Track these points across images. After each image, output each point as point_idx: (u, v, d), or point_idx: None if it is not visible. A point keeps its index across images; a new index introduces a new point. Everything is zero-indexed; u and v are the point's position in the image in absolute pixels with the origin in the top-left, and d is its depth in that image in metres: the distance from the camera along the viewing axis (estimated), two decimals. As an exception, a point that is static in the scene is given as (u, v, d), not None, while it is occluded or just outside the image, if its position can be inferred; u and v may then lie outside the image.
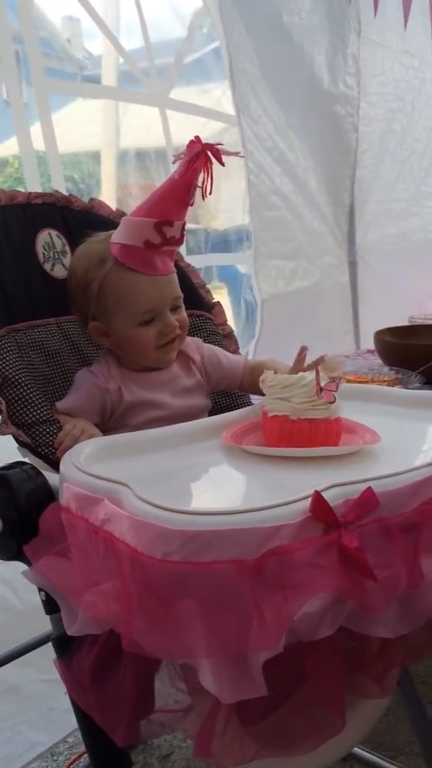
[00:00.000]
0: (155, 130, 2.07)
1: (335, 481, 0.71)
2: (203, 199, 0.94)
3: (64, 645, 0.80)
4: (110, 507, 0.69)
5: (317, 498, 0.66)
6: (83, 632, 0.71)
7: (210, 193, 0.93)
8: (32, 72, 1.65)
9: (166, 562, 0.63)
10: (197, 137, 0.91)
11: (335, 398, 0.86)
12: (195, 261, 1.36)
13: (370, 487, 0.69)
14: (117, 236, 1.00)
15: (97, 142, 2.11)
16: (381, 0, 2.47)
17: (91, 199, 1.24)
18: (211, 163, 0.91)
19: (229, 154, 0.92)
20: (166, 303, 1.02)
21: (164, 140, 2.05)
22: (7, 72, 1.60)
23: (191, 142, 0.91)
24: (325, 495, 0.67)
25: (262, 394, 0.96)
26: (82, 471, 0.76)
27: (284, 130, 2.29)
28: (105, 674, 0.73)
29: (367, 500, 0.69)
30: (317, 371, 0.87)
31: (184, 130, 2.12)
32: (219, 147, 0.91)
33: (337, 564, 0.64)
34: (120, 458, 0.84)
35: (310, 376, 0.87)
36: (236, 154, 0.95)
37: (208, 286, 1.32)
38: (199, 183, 0.94)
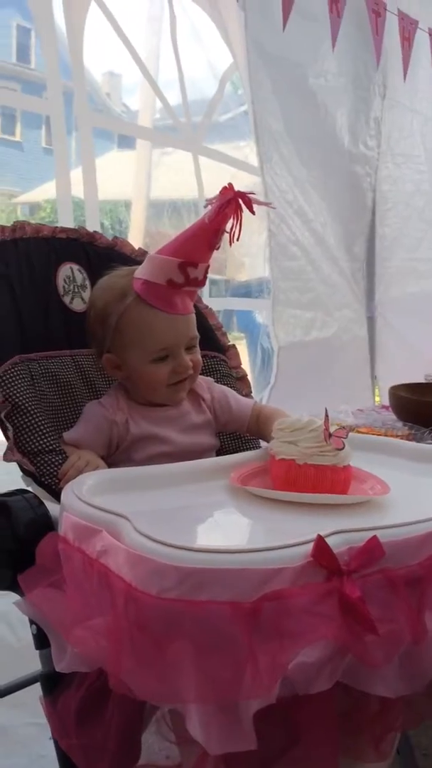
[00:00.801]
0: (185, 182, 2.15)
1: (340, 527, 0.69)
2: (230, 245, 0.95)
3: (53, 683, 0.77)
4: (108, 539, 0.68)
5: (320, 543, 0.64)
6: (71, 669, 0.69)
7: (237, 239, 0.94)
8: (77, 113, 1.70)
9: (161, 599, 0.61)
10: (230, 184, 0.93)
11: (344, 445, 0.85)
12: (214, 303, 1.38)
13: (375, 536, 0.67)
14: (141, 272, 1.01)
15: (128, 192, 2.19)
16: (411, 66, 2.55)
17: (115, 238, 1.27)
18: (242, 210, 0.92)
19: (260, 203, 0.94)
20: (181, 342, 1.02)
21: (193, 192, 2.12)
22: (55, 119, 1.68)
23: (224, 188, 0.93)
24: (329, 541, 0.66)
25: (267, 441, 0.95)
26: (82, 501, 0.74)
27: (304, 185, 2.35)
28: (91, 716, 0.70)
29: (372, 549, 0.67)
30: (326, 416, 0.86)
31: (215, 183, 2.20)
32: (251, 196, 0.93)
33: (337, 613, 0.62)
34: (123, 492, 0.82)
35: (319, 421, 0.86)
36: (268, 204, 0.97)
37: (229, 336, 1.33)
38: (228, 229, 0.95)
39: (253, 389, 2.32)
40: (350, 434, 0.88)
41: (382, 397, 2.63)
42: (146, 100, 2.06)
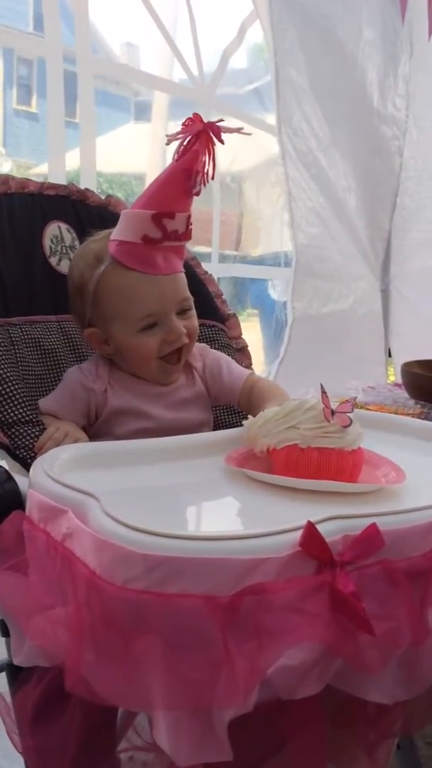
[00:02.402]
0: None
1: (335, 513, 0.61)
2: (204, 185, 0.85)
3: (15, 674, 0.70)
4: (73, 521, 0.61)
5: (310, 530, 0.56)
6: (30, 663, 0.62)
7: (212, 178, 0.84)
8: (78, 57, 1.61)
9: (126, 589, 0.54)
10: (196, 115, 0.83)
11: (350, 421, 0.75)
12: (234, 271, 1.29)
13: (374, 524, 0.60)
14: (115, 233, 0.91)
15: (143, 165, 2.13)
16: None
17: (108, 196, 1.18)
18: (214, 144, 0.82)
19: (231, 131, 0.84)
20: (169, 306, 0.92)
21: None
22: (84, 92, 1.62)
23: (190, 120, 0.83)
24: (321, 528, 0.58)
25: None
26: (50, 478, 0.67)
27: (328, 147, 2.21)
28: (49, 716, 0.63)
29: (370, 538, 0.59)
30: (323, 392, 0.76)
31: (228, 154, 2.12)
32: (220, 124, 0.82)
33: (326, 611, 0.54)
34: (100, 469, 0.75)
35: (312, 400, 0.76)
36: (238, 130, 0.85)
37: (242, 313, 1.23)
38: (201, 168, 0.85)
39: (263, 362, 2.24)
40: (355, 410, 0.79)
41: (396, 376, 2.54)
42: (164, 70, 1.98)
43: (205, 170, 0.83)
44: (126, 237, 0.89)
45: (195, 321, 0.97)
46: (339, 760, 0.65)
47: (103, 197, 1.17)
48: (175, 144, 0.86)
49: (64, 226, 1.09)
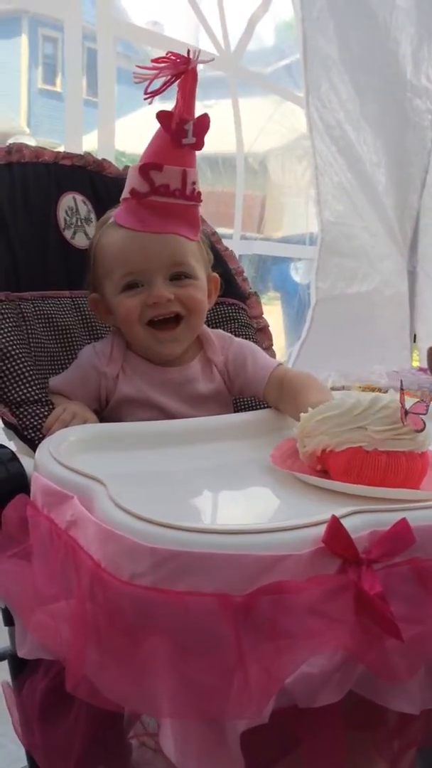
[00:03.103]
0: (225, 137, 2.00)
1: (361, 506, 0.56)
2: (196, 136, 0.79)
3: (20, 665, 0.67)
4: (78, 508, 0.56)
5: (334, 525, 0.52)
6: (33, 656, 0.58)
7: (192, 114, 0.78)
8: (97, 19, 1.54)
9: (132, 585, 0.50)
10: (173, 52, 0.75)
11: (424, 424, 0.66)
12: (257, 248, 1.22)
13: (404, 519, 0.55)
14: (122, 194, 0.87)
15: None
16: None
17: (126, 167, 1.12)
18: (196, 81, 0.76)
19: (204, 62, 0.77)
20: (154, 267, 0.84)
21: (232, 147, 1.95)
22: (103, 69, 1.58)
23: (170, 61, 0.75)
24: (346, 522, 0.53)
25: (291, 415, 0.80)
26: (56, 461, 0.63)
27: (357, 120, 2.12)
28: (55, 712, 0.60)
29: (400, 534, 0.54)
30: (402, 390, 0.67)
31: (255, 135, 2.06)
32: (201, 59, 0.76)
33: (350, 614, 0.49)
34: (110, 452, 0.71)
35: (387, 397, 0.68)
36: (210, 59, 0.78)
37: (264, 296, 1.17)
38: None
39: (284, 347, 2.17)
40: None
41: (421, 361, 2.47)
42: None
43: (192, 117, 0.77)
44: (123, 194, 0.85)
45: (193, 292, 0.87)
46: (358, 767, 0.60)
47: (120, 168, 1.12)
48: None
49: (79, 198, 1.04)
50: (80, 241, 1.03)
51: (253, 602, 0.48)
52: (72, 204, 1.04)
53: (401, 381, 0.68)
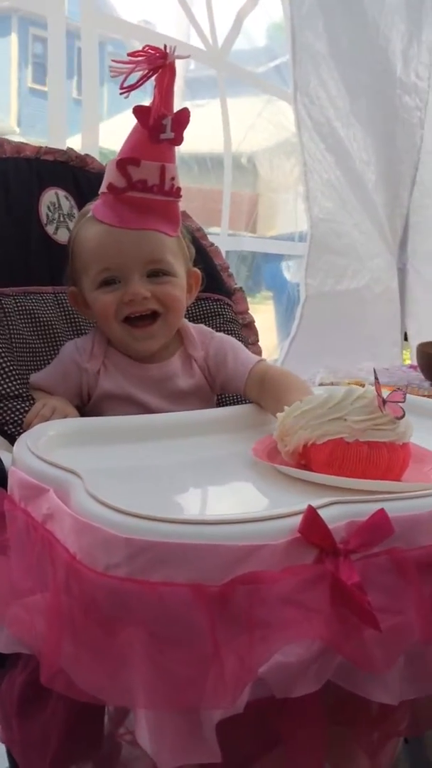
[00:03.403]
0: (217, 136, 2.00)
1: (340, 497, 0.56)
2: (174, 131, 0.78)
3: (1, 658, 0.66)
4: (54, 501, 0.56)
5: (310, 515, 0.51)
6: (10, 650, 0.58)
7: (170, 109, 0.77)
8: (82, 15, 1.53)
9: (108, 576, 0.50)
10: (150, 46, 0.74)
11: (404, 412, 0.66)
12: (245, 244, 1.21)
13: (382, 509, 0.54)
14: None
15: None
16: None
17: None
18: (174, 75, 0.75)
19: (181, 57, 0.76)
20: (131, 264, 0.83)
21: (220, 147, 1.95)
22: (87, 67, 1.56)
23: (148, 55, 0.74)
24: (324, 513, 0.53)
25: (269, 410, 0.80)
26: (33, 454, 0.63)
27: (347, 116, 2.12)
28: (35, 705, 0.59)
29: (378, 524, 0.54)
30: (377, 380, 0.68)
31: (243, 134, 2.06)
32: (178, 54, 0.75)
33: (327, 604, 0.49)
34: (88, 446, 0.71)
35: (360, 388, 0.68)
36: (187, 56, 0.78)
37: (257, 295, 1.16)
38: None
39: (277, 345, 2.16)
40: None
41: (412, 359, 2.47)
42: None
43: (170, 112, 0.76)
44: (101, 189, 0.84)
45: (170, 289, 0.86)
46: (339, 761, 0.60)
47: (104, 164, 1.11)
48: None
49: (62, 193, 1.04)
50: (63, 237, 1.02)
51: (228, 592, 0.48)
52: (54, 199, 1.03)
53: (374, 370, 0.68)
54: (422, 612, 0.53)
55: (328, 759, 0.57)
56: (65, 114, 1.62)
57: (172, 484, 0.67)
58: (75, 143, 1.72)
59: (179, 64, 1.99)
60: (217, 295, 1.11)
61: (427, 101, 2.46)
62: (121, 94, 0.78)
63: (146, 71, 0.76)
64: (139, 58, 0.75)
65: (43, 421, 0.76)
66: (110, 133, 1.78)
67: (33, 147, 1.04)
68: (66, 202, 1.04)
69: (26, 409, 0.82)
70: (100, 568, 0.50)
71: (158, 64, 0.75)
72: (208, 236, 1.19)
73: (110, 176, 0.81)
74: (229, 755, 0.50)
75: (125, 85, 0.77)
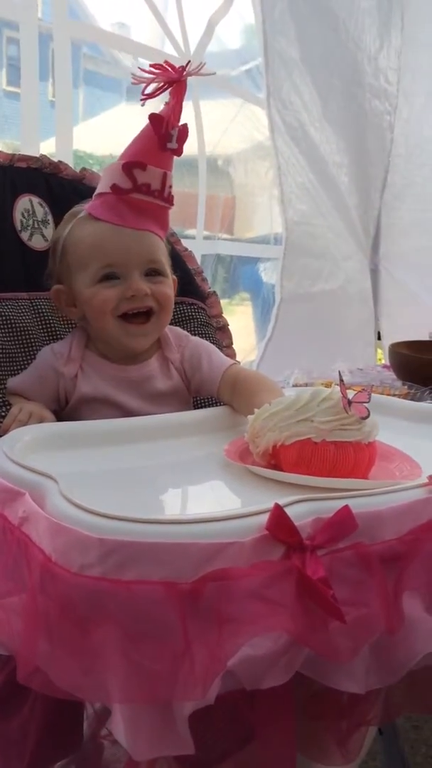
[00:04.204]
0: (192, 139, 2.02)
1: (306, 495, 0.58)
2: (179, 143, 0.82)
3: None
4: (29, 504, 0.58)
5: (277, 512, 0.53)
6: (-12, 651, 0.59)
7: (179, 121, 0.81)
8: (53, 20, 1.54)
9: (82, 576, 0.51)
10: (169, 62, 0.79)
11: (368, 412, 0.69)
12: (225, 248, 1.22)
13: (347, 506, 0.57)
14: (97, 189, 0.89)
15: None
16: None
17: (83, 169, 1.14)
18: (185, 92, 0.79)
19: (205, 74, 0.81)
20: (132, 261, 0.87)
21: (195, 151, 1.97)
22: (60, 70, 1.57)
23: (162, 68, 0.79)
24: (291, 510, 0.55)
25: (241, 413, 0.82)
26: (9, 459, 0.64)
27: (319, 120, 2.15)
28: (12, 705, 0.61)
29: (343, 520, 0.56)
30: (341, 381, 0.70)
31: (218, 137, 2.07)
32: (194, 71, 0.79)
33: (293, 598, 0.51)
34: (64, 450, 0.72)
35: (327, 389, 0.70)
36: (212, 74, 0.84)
37: (235, 297, 1.19)
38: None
39: (255, 346, 2.17)
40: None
41: (385, 358, 2.52)
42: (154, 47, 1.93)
43: (180, 124, 0.80)
44: (99, 190, 0.87)
45: (166, 288, 0.90)
46: (310, 752, 0.62)
47: (77, 170, 1.13)
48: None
49: (36, 200, 1.05)
50: (37, 243, 1.04)
51: (199, 589, 0.50)
52: (28, 206, 1.04)
53: (339, 372, 0.71)
54: (386, 604, 0.56)
55: (300, 749, 0.59)
56: (38, 117, 1.63)
57: (146, 486, 0.69)
58: (50, 146, 1.73)
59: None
60: (192, 299, 1.14)
61: (396, 105, 2.50)
62: (141, 101, 0.83)
63: (162, 84, 0.80)
64: (158, 71, 0.80)
65: (21, 426, 0.78)
66: (85, 136, 1.79)
67: (5, 154, 1.05)
68: (40, 209, 1.05)
69: (2, 414, 0.83)
70: (74, 569, 0.51)
71: (174, 78, 0.79)
72: (185, 239, 1.22)
73: (114, 178, 0.84)
74: (204, 749, 0.52)
75: (143, 94, 0.83)
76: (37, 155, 1.09)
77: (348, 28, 2.25)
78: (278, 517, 0.53)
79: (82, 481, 0.64)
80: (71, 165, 1.13)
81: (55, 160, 1.10)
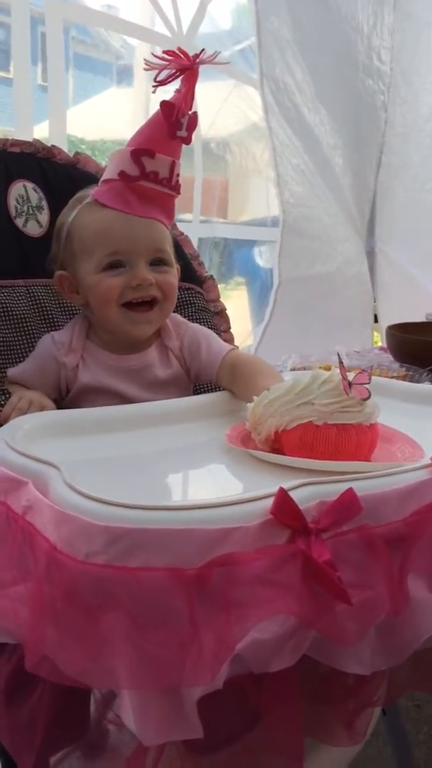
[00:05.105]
0: None
1: (310, 478, 0.58)
2: (189, 131, 0.82)
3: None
4: (33, 492, 0.57)
5: (282, 496, 0.53)
6: (-5, 640, 0.59)
7: (190, 109, 0.80)
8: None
9: (88, 563, 0.51)
10: (182, 49, 0.78)
11: (369, 393, 0.68)
12: (223, 231, 1.21)
13: (351, 488, 0.57)
14: (104, 174, 0.89)
15: (127, 130, 2.06)
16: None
17: (77, 153, 1.12)
18: (196, 80, 0.78)
19: (216, 63, 0.79)
20: (139, 250, 0.86)
21: None
22: (53, 51, 1.55)
23: (174, 56, 0.78)
24: (295, 494, 0.55)
25: (241, 398, 0.82)
26: (11, 448, 0.64)
27: (313, 101, 2.13)
28: (22, 692, 0.61)
29: (347, 503, 0.56)
30: (341, 362, 0.70)
31: (211, 119, 2.05)
32: (207, 59, 0.78)
33: (299, 581, 0.51)
34: (65, 438, 0.72)
35: (326, 372, 0.70)
36: (226, 63, 0.83)
37: (230, 281, 1.19)
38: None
39: (251, 330, 2.17)
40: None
41: (382, 340, 2.51)
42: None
43: (189, 112, 0.79)
44: (106, 176, 0.86)
45: (170, 278, 0.90)
46: (316, 734, 0.63)
47: (71, 154, 1.11)
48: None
49: (30, 185, 1.04)
50: (32, 229, 1.02)
51: (205, 574, 0.50)
52: (23, 192, 1.03)
53: (338, 354, 0.70)
54: (391, 586, 0.56)
55: (306, 731, 0.59)
56: (31, 102, 1.61)
57: (149, 472, 0.69)
58: (41, 131, 1.71)
59: (144, 52, 1.99)
60: (189, 284, 1.13)
61: (389, 84, 2.47)
62: (153, 87, 0.83)
63: (174, 71, 0.80)
64: (170, 58, 0.79)
65: (21, 414, 0.77)
66: (76, 121, 1.77)
67: (-1, 140, 1.03)
68: (35, 194, 1.04)
69: (2, 403, 0.83)
70: (80, 557, 0.51)
71: (186, 65, 0.79)
72: (181, 223, 1.21)
73: (122, 164, 0.83)
74: (211, 733, 0.52)
75: (157, 80, 0.82)
76: (31, 140, 1.08)
77: (340, 7, 2.22)
78: (283, 501, 0.53)
79: (84, 468, 0.64)
80: (65, 149, 1.11)
81: (49, 144, 1.09)
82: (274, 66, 2.00)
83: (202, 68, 0.80)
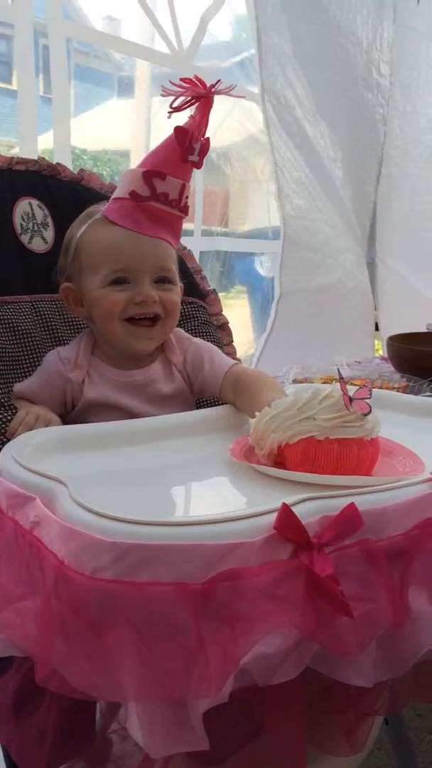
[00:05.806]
0: None
1: (312, 493, 0.59)
2: (200, 156, 0.85)
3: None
4: (40, 508, 0.58)
5: (285, 512, 0.54)
6: (4, 654, 0.60)
7: (203, 135, 0.83)
8: (48, 20, 1.55)
9: (96, 579, 0.52)
10: (197, 77, 0.80)
11: (370, 408, 0.69)
12: (223, 244, 1.23)
13: (353, 503, 0.58)
14: (114, 192, 0.91)
15: (128, 141, 2.09)
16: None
17: (81, 170, 1.14)
18: (211, 107, 0.81)
19: (235, 95, 0.82)
20: (144, 267, 0.88)
21: None
22: (56, 65, 1.58)
23: (191, 83, 0.80)
24: (298, 509, 0.56)
25: (246, 413, 0.83)
26: (18, 464, 0.65)
27: (313, 115, 2.16)
28: (30, 705, 0.62)
29: (349, 518, 0.57)
30: (341, 378, 0.71)
31: (213, 131, 2.07)
32: (223, 90, 0.80)
33: (302, 595, 0.52)
34: (71, 453, 0.73)
35: (327, 387, 0.71)
36: (241, 96, 0.87)
37: (231, 290, 1.20)
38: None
39: (252, 340, 2.19)
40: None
41: (383, 350, 2.53)
42: (144, 43, 1.92)
43: (203, 138, 0.82)
44: (117, 194, 0.88)
45: (174, 296, 0.92)
46: (318, 743, 0.63)
47: (75, 171, 1.13)
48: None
49: (35, 203, 1.06)
50: (38, 246, 1.04)
51: (210, 589, 0.51)
52: (28, 209, 1.05)
53: (338, 370, 0.71)
54: (392, 599, 0.57)
55: (308, 741, 0.60)
56: (35, 114, 1.63)
57: (154, 487, 0.70)
58: (43, 142, 1.73)
59: (145, 64, 2.00)
60: (192, 298, 1.15)
61: (388, 98, 2.50)
62: (168, 113, 0.85)
63: (190, 98, 0.82)
64: (187, 86, 0.82)
65: (27, 429, 0.79)
66: (78, 132, 1.79)
67: (4, 157, 1.05)
68: (40, 212, 1.06)
69: (9, 418, 0.84)
70: (87, 572, 0.52)
71: (202, 94, 0.81)
72: (183, 236, 1.23)
73: (133, 184, 0.86)
74: (216, 744, 0.53)
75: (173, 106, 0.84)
76: (35, 157, 1.10)
77: (339, 22, 2.25)
78: (286, 516, 0.54)
79: (90, 483, 0.65)
80: (69, 160, 1.13)
81: (53, 158, 1.11)
82: (274, 81, 2.03)
83: (200, 71, 0.83)
